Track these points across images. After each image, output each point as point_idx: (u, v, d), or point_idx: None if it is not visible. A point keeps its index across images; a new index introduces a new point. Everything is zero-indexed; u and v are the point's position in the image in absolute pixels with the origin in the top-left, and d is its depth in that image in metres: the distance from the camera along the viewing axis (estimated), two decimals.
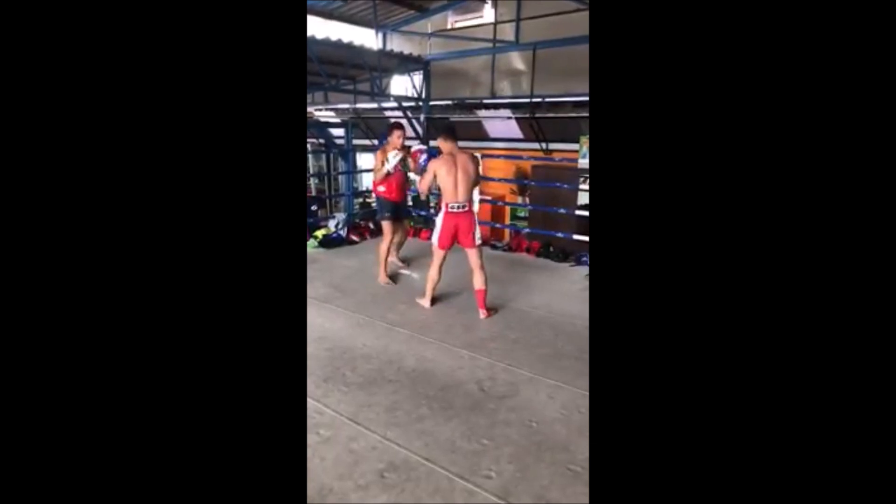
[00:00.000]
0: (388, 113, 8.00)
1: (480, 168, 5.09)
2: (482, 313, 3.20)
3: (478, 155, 5.18)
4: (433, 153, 3.44)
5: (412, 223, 5.61)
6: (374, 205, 4.89)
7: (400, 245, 4.27)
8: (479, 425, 2.01)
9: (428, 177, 3.14)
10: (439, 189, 3.16)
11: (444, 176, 3.05)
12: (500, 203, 7.10)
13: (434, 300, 3.38)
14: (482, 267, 3.18)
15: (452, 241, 3.16)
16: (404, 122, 5.54)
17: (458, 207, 3.09)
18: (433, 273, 3.29)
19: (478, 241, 3.17)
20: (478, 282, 3.18)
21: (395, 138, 3.83)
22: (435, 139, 3.33)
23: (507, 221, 7.38)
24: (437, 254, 3.23)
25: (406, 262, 4.38)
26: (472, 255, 3.17)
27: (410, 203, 6.29)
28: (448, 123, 3.38)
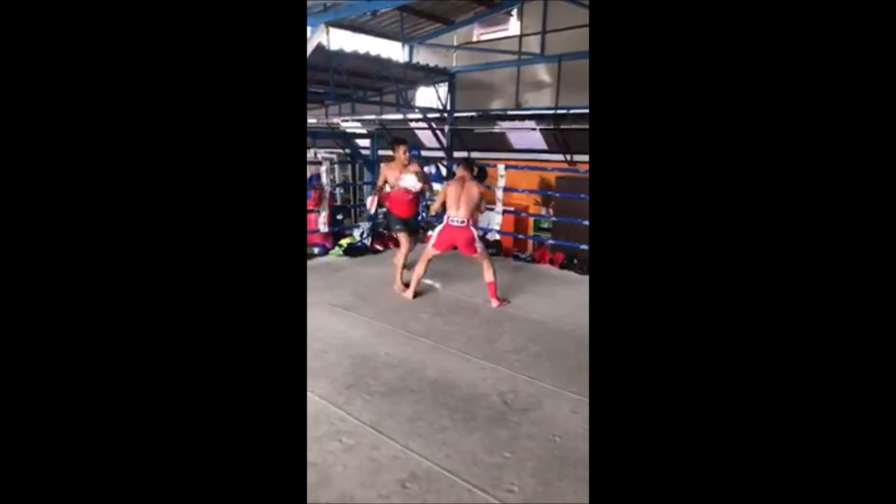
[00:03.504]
0: (413, 124, 8.09)
1: (503, 181, 5.12)
2: (494, 302, 3.59)
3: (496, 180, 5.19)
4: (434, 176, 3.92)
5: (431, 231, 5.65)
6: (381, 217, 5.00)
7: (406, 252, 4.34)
8: (501, 438, 1.99)
9: (440, 197, 3.68)
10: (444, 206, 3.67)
11: (452, 196, 3.57)
12: (523, 214, 7.08)
13: (416, 294, 3.71)
14: (490, 264, 3.60)
15: (447, 247, 3.62)
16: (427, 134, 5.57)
17: (458, 222, 3.54)
18: (420, 269, 3.68)
19: (479, 250, 3.59)
20: (487, 275, 3.60)
21: (402, 153, 3.94)
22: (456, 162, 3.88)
23: (531, 232, 7.34)
24: (429, 252, 3.65)
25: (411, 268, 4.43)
26: (478, 257, 3.61)
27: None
28: (464, 158, 4.03)
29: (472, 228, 3.60)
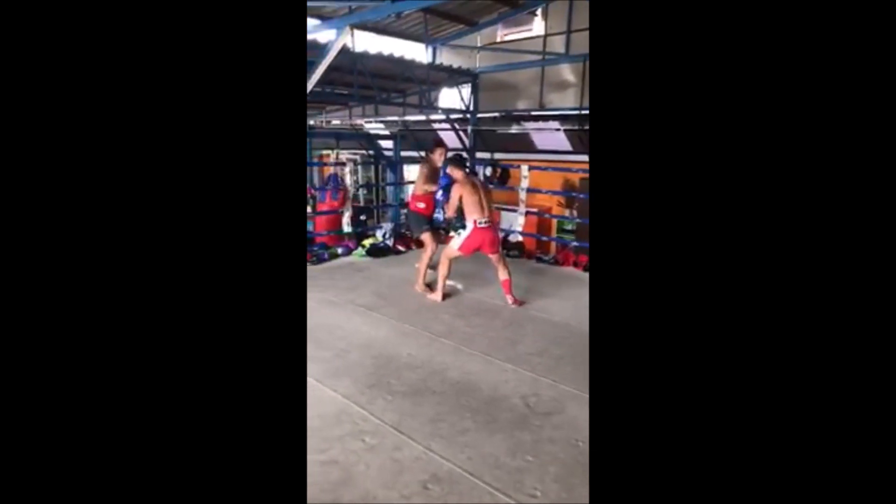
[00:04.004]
0: (436, 126, 8.11)
1: (526, 182, 5.09)
2: (510, 299, 3.60)
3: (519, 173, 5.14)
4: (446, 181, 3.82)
5: (452, 231, 5.65)
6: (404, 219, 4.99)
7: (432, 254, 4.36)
8: (523, 441, 1.98)
9: (454, 201, 3.56)
10: (461, 210, 3.59)
11: (469, 197, 3.49)
12: (546, 215, 7.02)
13: (445, 296, 3.71)
14: (505, 264, 3.64)
15: (474, 251, 3.59)
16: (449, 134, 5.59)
17: (486, 223, 3.51)
18: (444, 271, 3.66)
19: (498, 250, 3.65)
20: (502, 274, 3.62)
21: (437, 155, 4.03)
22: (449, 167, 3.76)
23: (554, 234, 7.28)
24: (453, 253, 3.62)
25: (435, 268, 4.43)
26: (494, 257, 3.63)
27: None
28: (455, 155, 3.94)
29: (496, 227, 3.63)
